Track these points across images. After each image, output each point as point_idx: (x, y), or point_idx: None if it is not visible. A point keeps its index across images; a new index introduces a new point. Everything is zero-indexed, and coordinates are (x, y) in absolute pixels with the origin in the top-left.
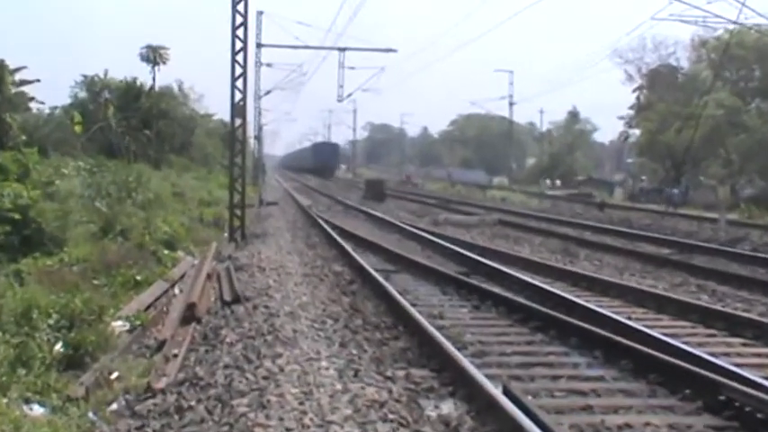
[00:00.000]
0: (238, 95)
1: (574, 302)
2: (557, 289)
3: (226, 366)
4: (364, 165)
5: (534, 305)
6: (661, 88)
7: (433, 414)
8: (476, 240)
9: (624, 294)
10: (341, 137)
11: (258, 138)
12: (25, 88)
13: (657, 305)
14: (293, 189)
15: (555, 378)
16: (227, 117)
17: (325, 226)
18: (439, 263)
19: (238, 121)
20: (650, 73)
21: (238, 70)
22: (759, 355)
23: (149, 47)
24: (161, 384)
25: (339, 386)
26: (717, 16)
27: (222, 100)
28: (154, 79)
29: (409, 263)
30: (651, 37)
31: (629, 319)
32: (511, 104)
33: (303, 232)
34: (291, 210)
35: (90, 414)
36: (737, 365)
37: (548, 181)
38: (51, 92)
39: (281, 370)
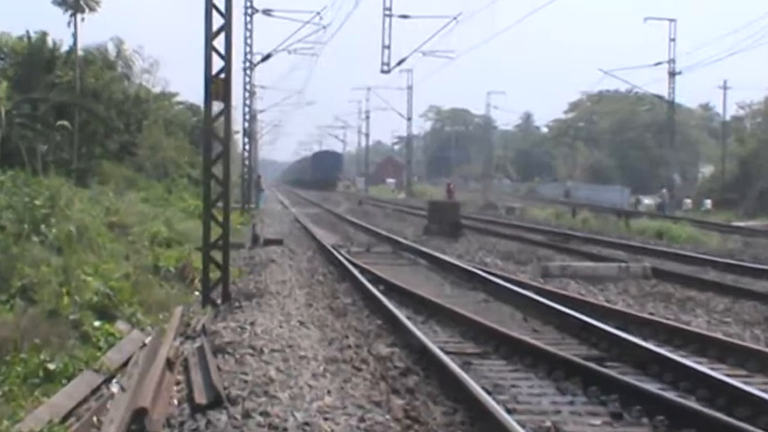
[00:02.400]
0: (217, 62)
1: None
2: (756, 387)
3: None
4: (423, 176)
5: (719, 415)
6: None
7: None
8: (614, 304)
9: None
10: (385, 130)
11: (249, 133)
12: None
13: None
14: (308, 217)
15: None
16: (198, 99)
17: (361, 278)
18: (552, 341)
19: (217, 106)
20: None
21: (217, 20)
22: None
23: None
24: None
25: None
26: None
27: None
28: (75, 36)
29: (503, 340)
30: None
31: None
32: (672, 74)
33: (326, 289)
34: (306, 251)
35: None
36: None
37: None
38: None
39: None
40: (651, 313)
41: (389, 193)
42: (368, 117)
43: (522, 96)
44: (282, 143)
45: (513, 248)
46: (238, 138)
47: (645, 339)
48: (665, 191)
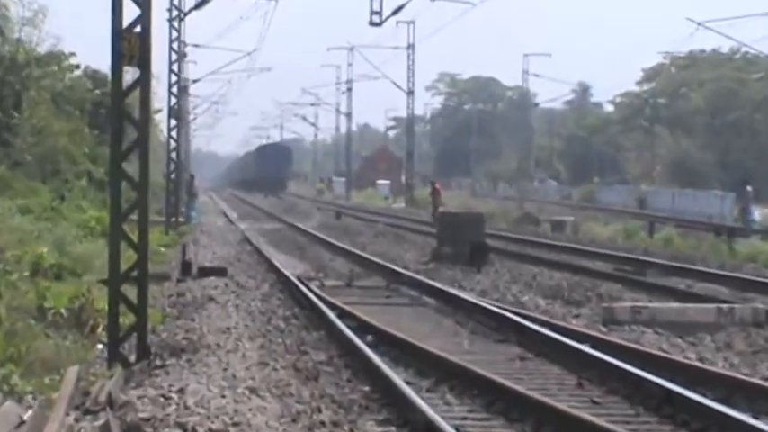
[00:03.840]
0: (131, 10)
1: None
2: None
3: None
4: (432, 175)
5: None
6: None
7: None
8: (711, 364)
9: None
10: (376, 109)
11: (178, 113)
12: None
13: None
14: (263, 235)
15: None
16: (102, 64)
17: (340, 324)
18: (622, 418)
19: (131, 74)
20: None
21: None
22: None
23: None
24: None
25: None
26: None
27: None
28: None
29: (547, 417)
30: None
31: None
32: None
33: (289, 340)
34: (260, 285)
35: None
36: None
37: None
38: None
39: None
40: (767, 378)
41: (382, 200)
42: (350, 89)
43: (574, 60)
44: (227, 128)
45: (562, 282)
46: (162, 120)
47: (757, 417)
48: (749, 188)
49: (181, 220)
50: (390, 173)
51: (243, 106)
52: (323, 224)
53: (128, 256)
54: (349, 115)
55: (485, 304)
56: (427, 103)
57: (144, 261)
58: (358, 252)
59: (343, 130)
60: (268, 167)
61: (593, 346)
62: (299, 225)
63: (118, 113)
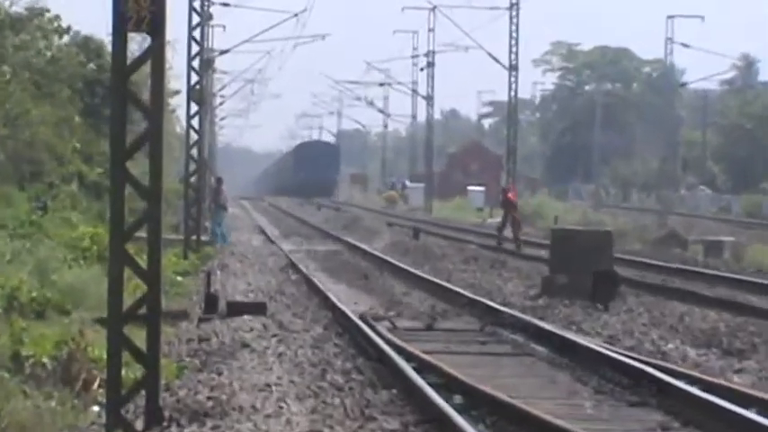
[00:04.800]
0: None
1: None
2: None
3: None
4: (541, 181)
5: None
6: None
7: None
8: None
9: None
10: (464, 92)
11: (201, 95)
12: None
13: None
14: (314, 259)
15: None
16: (98, 29)
17: (420, 380)
18: None
19: (138, 43)
20: None
21: None
22: None
23: None
24: None
25: None
26: None
27: None
28: None
29: None
30: None
31: None
32: None
33: (350, 402)
34: (309, 328)
35: None
36: None
37: None
38: None
39: None
40: None
41: (474, 213)
42: (431, 64)
43: (735, 26)
44: (266, 116)
45: (719, 325)
46: (179, 105)
47: None
48: None
49: (204, 238)
50: (485, 176)
51: (287, 87)
52: (395, 245)
53: (133, 287)
54: (430, 99)
55: (614, 354)
56: (536, 83)
57: (155, 294)
58: (442, 283)
59: (421, 118)
60: (309, 170)
61: (760, 413)
62: (363, 246)
63: (120, 96)
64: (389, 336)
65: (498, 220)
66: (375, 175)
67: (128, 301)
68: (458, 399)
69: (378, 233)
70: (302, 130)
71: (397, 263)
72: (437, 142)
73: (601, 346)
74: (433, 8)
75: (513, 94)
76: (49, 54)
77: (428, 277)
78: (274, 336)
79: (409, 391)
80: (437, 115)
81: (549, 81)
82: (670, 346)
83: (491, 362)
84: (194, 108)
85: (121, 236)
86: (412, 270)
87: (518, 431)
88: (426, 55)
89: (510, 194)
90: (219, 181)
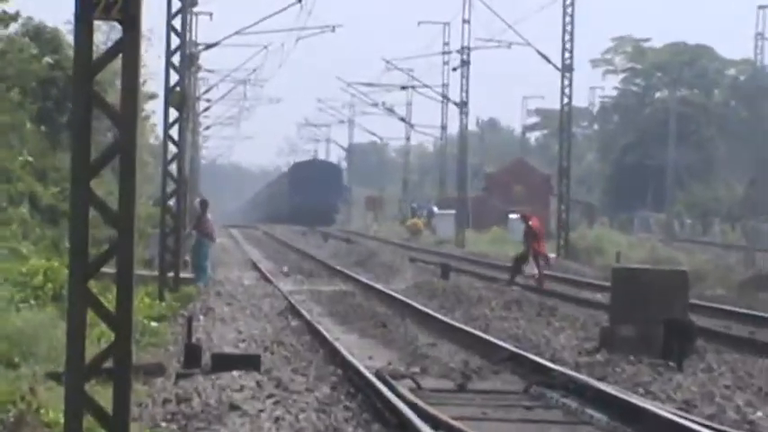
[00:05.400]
0: None
1: None
2: None
3: None
4: (601, 209)
5: None
6: None
7: None
8: None
9: None
10: (505, 100)
11: (182, 99)
12: None
13: None
14: (318, 302)
15: None
16: (55, 17)
17: None
18: None
19: (103, 33)
20: None
21: None
22: None
23: None
24: None
25: None
26: None
27: None
28: None
29: None
30: None
31: None
32: None
33: None
34: (313, 386)
35: None
36: None
37: None
38: None
39: None
40: None
41: (517, 247)
42: (465, 64)
43: None
44: (263, 125)
45: None
46: (155, 111)
47: None
48: None
49: (185, 275)
50: (531, 201)
51: (288, 90)
52: (419, 286)
53: (97, 335)
54: (464, 105)
55: (690, 424)
56: (594, 88)
57: (125, 343)
58: (477, 333)
59: (453, 129)
60: (306, 194)
61: None
62: (380, 287)
63: (84, 98)
64: (412, 398)
65: (551, 255)
66: (395, 198)
67: (90, 351)
68: None
69: (398, 271)
70: (305, 144)
71: (421, 307)
72: (472, 159)
73: (673, 414)
74: None
75: (566, 100)
76: None
77: (460, 326)
78: (270, 396)
79: None
80: (472, 126)
81: (611, 85)
82: (759, 414)
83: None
84: (173, 114)
85: (84, 271)
86: (440, 317)
87: None
88: (460, 52)
89: (532, 222)
90: (204, 205)
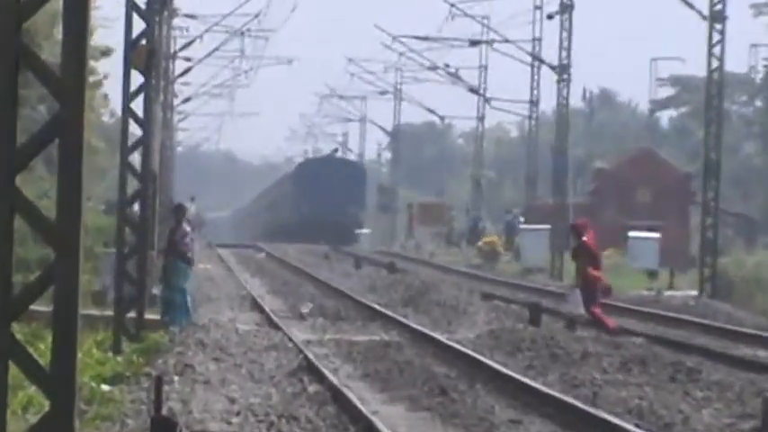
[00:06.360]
0: None
1: None
2: None
3: None
4: (742, 213)
5: None
6: None
7: None
8: None
9: None
10: (629, 67)
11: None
12: None
13: None
14: (345, 356)
15: None
16: None
17: None
18: None
19: None
20: None
21: None
22: None
23: None
24: None
25: None
26: None
27: None
28: None
29: None
30: None
31: None
32: None
33: None
34: None
35: None
36: None
37: None
38: None
39: None
40: None
41: (641, 279)
42: (568, 6)
43: None
44: (266, 99)
45: None
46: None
47: None
48: None
49: (151, 316)
50: (663, 210)
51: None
52: (496, 335)
53: (22, 402)
54: (563, 70)
55: None
56: (756, 46)
57: (64, 416)
58: (581, 406)
59: (547, 106)
60: (317, 202)
61: None
62: (439, 336)
63: (10, 55)
64: None
65: (692, 293)
66: (460, 205)
67: (13, 427)
68: None
69: (465, 313)
70: (328, 125)
71: (499, 367)
72: (575, 150)
73: None
74: None
75: (715, 64)
76: None
77: (555, 394)
78: None
79: None
80: (576, 101)
81: None
82: None
83: None
84: (137, 80)
85: (5, 309)
86: (527, 381)
87: None
88: None
89: (588, 236)
90: (180, 211)
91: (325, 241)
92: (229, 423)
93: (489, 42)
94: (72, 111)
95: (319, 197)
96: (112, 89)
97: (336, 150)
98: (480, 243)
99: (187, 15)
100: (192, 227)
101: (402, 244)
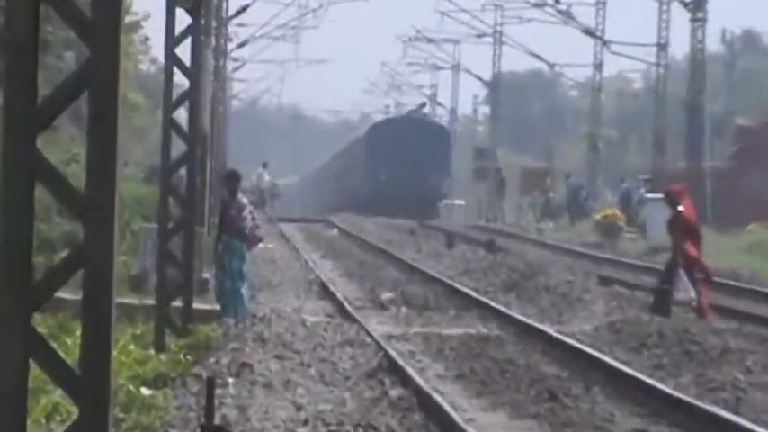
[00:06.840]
0: None
1: None
2: None
3: None
4: None
5: None
6: None
7: None
8: None
9: None
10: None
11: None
12: None
13: None
14: (434, 355)
15: None
16: None
17: None
18: None
19: None
20: None
21: None
22: None
23: None
24: None
25: None
26: None
27: None
28: None
29: None
30: None
31: None
32: None
33: None
34: None
35: None
36: None
37: None
38: None
39: None
40: None
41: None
42: None
43: None
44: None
45: None
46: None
47: None
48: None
49: (199, 306)
50: None
51: None
52: (616, 328)
53: (45, 408)
54: (698, 8)
55: None
56: None
57: (96, 424)
58: (721, 413)
59: (679, 50)
60: (394, 170)
61: None
62: (548, 330)
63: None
64: None
65: None
66: (577, 171)
67: None
68: None
69: (579, 300)
70: (412, 75)
71: (621, 366)
72: (713, 104)
73: None
74: None
75: None
76: None
77: (690, 400)
78: None
79: None
80: (714, 45)
81: None
82: None
83: None
84: (184, 21)
85: (24, 297)
86: (654, 383)
87: None
88: None
89: (684, 204)
90: (233, 179)
91: (403, 215)
92: None
93: None
94: (104, 58)
95: (395, 164)
96: (153, 32)
97: (424, 105)
98: (598, 216)
99: None
100: (264, 198)
101: (488, 216)
